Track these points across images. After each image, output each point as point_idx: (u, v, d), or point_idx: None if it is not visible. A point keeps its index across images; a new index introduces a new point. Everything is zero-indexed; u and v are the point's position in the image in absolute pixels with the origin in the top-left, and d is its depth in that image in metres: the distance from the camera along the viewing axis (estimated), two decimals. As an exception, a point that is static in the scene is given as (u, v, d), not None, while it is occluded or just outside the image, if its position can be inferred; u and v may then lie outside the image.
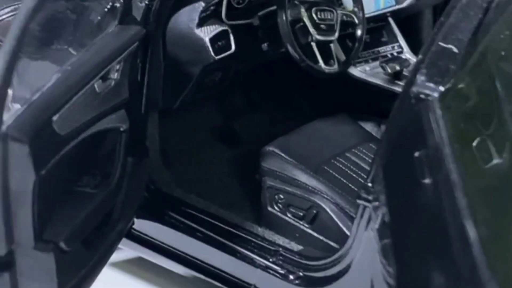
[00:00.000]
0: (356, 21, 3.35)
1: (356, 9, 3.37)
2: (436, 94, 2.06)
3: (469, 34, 2.20)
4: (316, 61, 3.19)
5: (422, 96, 2.08)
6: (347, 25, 3.35)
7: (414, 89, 2.10)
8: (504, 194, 2.17)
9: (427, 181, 2.00)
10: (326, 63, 3.19)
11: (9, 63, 2.01)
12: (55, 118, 2.20)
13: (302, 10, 3.14)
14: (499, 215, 2.03)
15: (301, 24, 3.15)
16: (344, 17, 3.30)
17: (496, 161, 2.16)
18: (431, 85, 2.08)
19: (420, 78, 2.11)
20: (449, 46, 2.19)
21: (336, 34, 3.25)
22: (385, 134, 2.37)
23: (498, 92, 2.27)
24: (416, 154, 2.07)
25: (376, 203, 2.36)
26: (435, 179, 1.95)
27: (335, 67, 3.25)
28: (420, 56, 2.24)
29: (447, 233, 1.89)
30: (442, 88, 2.07)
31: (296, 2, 3.16)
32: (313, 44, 3.18)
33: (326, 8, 3.22)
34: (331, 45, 3.25)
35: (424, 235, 2.07)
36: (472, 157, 2.11)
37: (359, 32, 3.37)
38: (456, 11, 2.27)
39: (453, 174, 1.90)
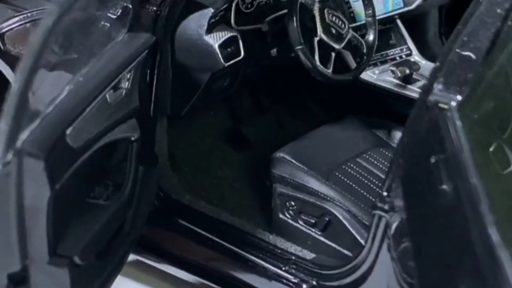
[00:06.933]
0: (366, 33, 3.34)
1: (367, 13, 3.34)
2: (454, 103, 2.07)
3: (487, 42, 2.19)
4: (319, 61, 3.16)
5: (440, 105, 2.07)
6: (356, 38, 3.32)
7: (432, 98, 2.10)
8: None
9: (445, 187, 2.00)
10: (325, 65, 3.12)
11: (27, 80, 1.99)
12: (68, 131, 2.17)
13: (316, 5, 3.11)
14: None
15: (310, 19, 3.11)
16: (352, 38, 3.26)
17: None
18: (449, 94, 2.08)
19: (438, 87, 2.11)
20: (467, 54, 2.18)
21: (342, 45, 3.20)
22: (401, 143, 2.35)
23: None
24: (433, 161, 2.07)
25: (393, 212, 2.35)
26: (455, 185, 1.94)
27: (346, 75, 3.23)
28: (437, 64, 2.22)
29: (469, 238, 1.88)
30: (459, 97, 2.07)
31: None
32: (315, 41, 3.12)
33: (340, 16, 3.18)
34: (339, 52, 3.20)
35: (445, 240, 2.06)
36: (490, 163, 2.11)
37: (371, 38, 3.34)
38: (473, 19, 2.25)
39: (474, 179, 1.89)
